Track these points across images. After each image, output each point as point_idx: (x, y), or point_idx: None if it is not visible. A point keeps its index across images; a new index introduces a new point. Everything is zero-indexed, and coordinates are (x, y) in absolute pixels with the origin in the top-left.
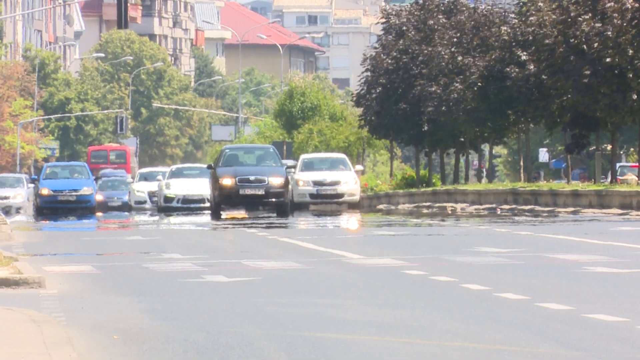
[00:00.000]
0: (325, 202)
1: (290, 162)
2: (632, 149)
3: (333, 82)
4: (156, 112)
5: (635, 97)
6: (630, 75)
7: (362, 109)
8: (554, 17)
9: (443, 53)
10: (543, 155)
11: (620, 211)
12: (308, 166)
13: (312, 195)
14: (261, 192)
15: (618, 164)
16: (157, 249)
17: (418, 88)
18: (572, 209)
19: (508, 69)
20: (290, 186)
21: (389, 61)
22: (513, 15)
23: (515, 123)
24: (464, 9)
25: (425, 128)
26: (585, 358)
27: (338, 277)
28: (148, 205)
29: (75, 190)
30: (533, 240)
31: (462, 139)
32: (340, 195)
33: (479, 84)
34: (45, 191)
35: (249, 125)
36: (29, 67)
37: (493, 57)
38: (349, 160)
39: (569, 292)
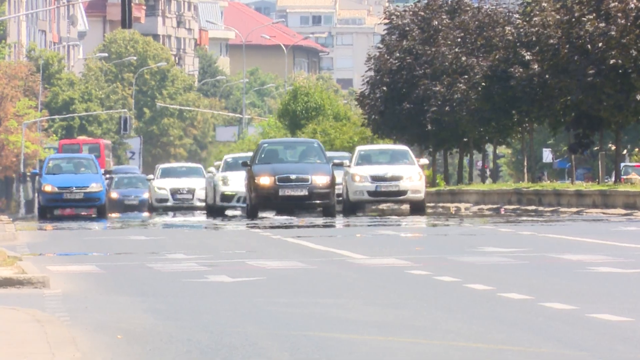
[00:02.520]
0: (387, 201)
1: (338, 157)
2: (636, 149)
3: (337, 82)
4: (160, 112)
5: (639, 97)
6: (634, 75)
7: (365, 108)
8: (557, 17)
9: (447, 53)
10: (547, 155)
11: (624, 211)
12: (365, 159)
13: (370, 193)
14: (304, 192)
15: (622, 164)
16: (161, 249)
17: (422, 88)
18: (576, 209)
19: (512, 69)
20: (345, 183)
21: (393, 61)
22: (517, 16)
23: (519, 123)
24: (468, 9)
25: (429, 128)
26: (588, 358)
27: (341, 277)
28: (170, 204)
29: (83, 187)
30: (537, 240)
31: (466, 139)
32: (403, 193)
33: (483, 84)
34: (48, 188)
35: (253, 126)
36: (33, 67)
37: (497, 57)
38: (412, 153)
39: (573, 292)
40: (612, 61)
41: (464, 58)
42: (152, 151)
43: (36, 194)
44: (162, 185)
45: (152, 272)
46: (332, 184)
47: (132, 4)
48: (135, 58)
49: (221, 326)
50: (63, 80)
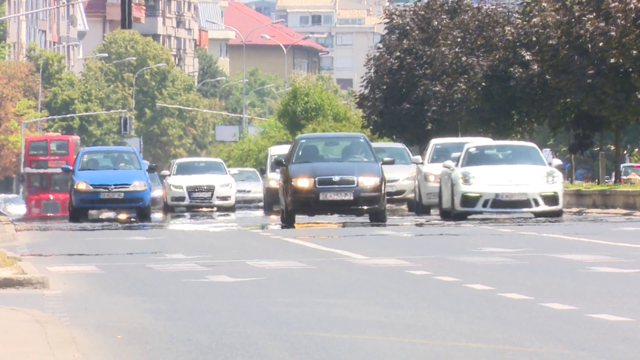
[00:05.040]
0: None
1: (388, 151)
2: (635, 149)
3: (337, 82)
4: (160, 112)
5: (639, 96)
6: (634, 75)
7: (365, 109)
8: (557, 17)
9: (447, 53)
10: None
11: (624, 211)
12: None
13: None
14: (349, 197)
15: (622, 165)
16: (161, 249)
17: (422, 88)
18: (575, 209)
19: (512, 69)
20: (417, 182)
21: (393, 61)
22: (517, 15)
23: (519, 123)
24: (468, 8)
25: (429, 128)
26: (589, 358)
27: (342, 277)
28: (187, 202)
29: (124, 185)
30: (537, 240)
31: None
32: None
33: (483, 84)
34: (82, 186)
35: (253, 126)
36: (32, 67)
37: (497, 57)
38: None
39: (573, 292)
40: (612, 60)
41: (464, 58)
42: (152, 151)
43: (69, 193)
44: (178, 183)
45: (152, 272)
46: (383, 186)
47: (132, 4)
48: (135, 58)
49: (222, 326)
50: (63, 80)
